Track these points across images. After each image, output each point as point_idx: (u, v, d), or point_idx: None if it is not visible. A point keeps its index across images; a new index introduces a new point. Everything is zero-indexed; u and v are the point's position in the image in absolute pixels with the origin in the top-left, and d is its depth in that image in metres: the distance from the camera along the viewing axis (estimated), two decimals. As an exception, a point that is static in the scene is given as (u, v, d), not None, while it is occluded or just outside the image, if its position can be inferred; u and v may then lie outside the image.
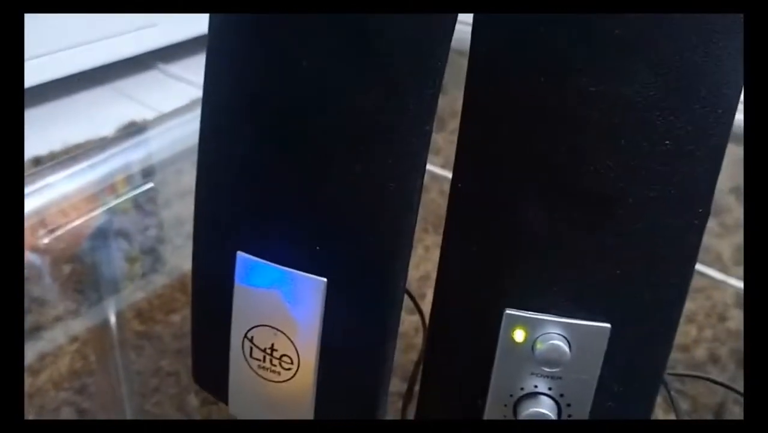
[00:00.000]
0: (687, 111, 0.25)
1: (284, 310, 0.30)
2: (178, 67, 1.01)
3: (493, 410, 0.29)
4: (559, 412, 0.28)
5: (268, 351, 0.30)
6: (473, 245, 0.28)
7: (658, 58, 0.25)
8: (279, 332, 0.30)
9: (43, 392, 0.44)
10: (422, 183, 0.28)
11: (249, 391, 0.32)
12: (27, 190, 0.50)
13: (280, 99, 0.28)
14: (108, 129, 0.83)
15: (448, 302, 0.29)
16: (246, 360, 0.31)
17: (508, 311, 0.27)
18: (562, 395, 0.28)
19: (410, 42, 0.26)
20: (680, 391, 0.45)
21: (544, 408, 0.28)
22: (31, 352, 0.47)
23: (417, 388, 0.33)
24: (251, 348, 0.31)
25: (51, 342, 0.48)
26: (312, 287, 0.29)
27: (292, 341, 0.30)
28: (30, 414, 0.42)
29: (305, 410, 0.31)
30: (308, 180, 0.28)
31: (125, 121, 0.85)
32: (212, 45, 0.30)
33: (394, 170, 0.27)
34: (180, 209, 0.62)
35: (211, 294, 0.32)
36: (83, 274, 0.54)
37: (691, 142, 0.26)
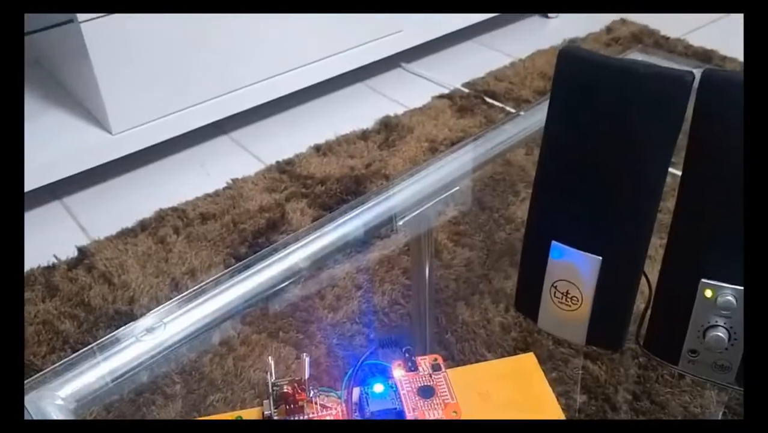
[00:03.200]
0: None
1: (577, 272, 0.55)
2: (418, 66, 1.24)
3: (691, 336, 0.53)
4: (729, 337, 0.52)
5: (566, 294, 0.57)
6: (692, 238, 0.51)
7: None
8: (572, 284, 0.56)
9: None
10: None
11: (551, 315, 0.59)
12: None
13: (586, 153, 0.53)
14: (367, 122, 1.09)
15: (669, 271, 0.53)
16: (551, 298, 0.58)
17: (703, 280, 0.51)
18: (731, 327, 0.52)
19: (657, 130, 0.49)
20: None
21: (721, 333, 0.52)
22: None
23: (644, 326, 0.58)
24: (555, 291, 0.57)
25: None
26: (593, 261, 0.54)
27: (579, 290, 0.56)
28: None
29: (582, 328, 0.58)
30: (595, 204, 0.53)
31: (380, 116, 1.11)
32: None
33: (646, 189, 0.51)
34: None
35: (534, 261, 0.58)
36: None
37: None
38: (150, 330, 0.64)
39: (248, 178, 0.96)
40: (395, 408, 0.52)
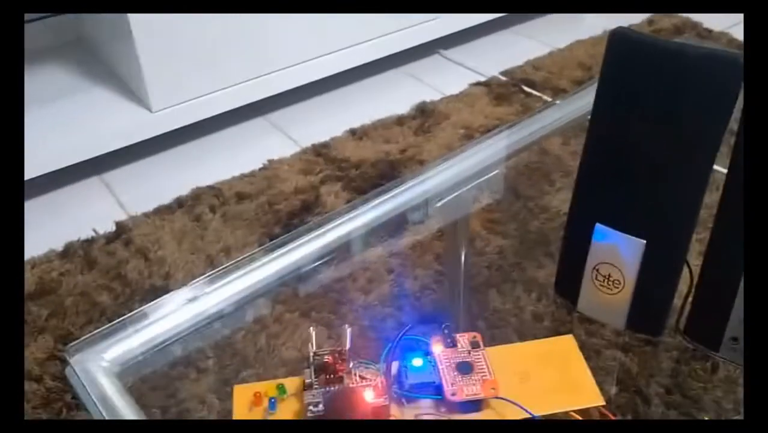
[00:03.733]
0: None
1: (619, 256, 0.55)
2: (454, 53, 1.24)
3: (732, 324, 0.53)
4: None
5: (607, 277, 0.57)
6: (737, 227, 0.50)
7: None
8: (614, 267, 0.56)
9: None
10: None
11: (591, 298, 0.60)
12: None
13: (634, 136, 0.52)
14: (403, 107, 1.09)
15: (714, 259, 0.53)
16: (593, 281, 0.58)
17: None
18: None
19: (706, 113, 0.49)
20: None
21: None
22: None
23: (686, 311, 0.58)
24: (596, 274, 0.58)
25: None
26: (636, 245, 0.55)
27: (621, 273, 0.56)
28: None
29: (622, 312, 0.58)
30: (641, 187, 0.53)
31: (416, 101, 1.10)
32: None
33: (693, 174, 0.51)
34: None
35: (577, 244, 0.58)
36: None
37: None
38: (192, 300, 0.65)
39: (284, 159, 0.97)
40: (433, 382, 0.52)
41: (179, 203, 0.89)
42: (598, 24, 1.29)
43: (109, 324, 0.63)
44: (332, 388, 0.51)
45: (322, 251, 0.74)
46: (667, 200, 0.53)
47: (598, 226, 0.56)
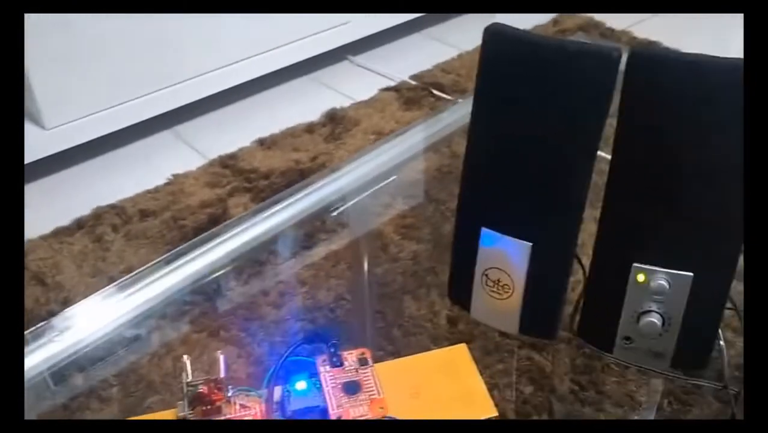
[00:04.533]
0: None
1: (507, 260, 0.54)
2: (363, 58, 1.22)
3: (625, 323, 0.53)
4: (663, 323, 0.51)
5: (497, 282, 0.56)
6: (622, 222, 0.51)
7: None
8: (503, 272, 0.55)
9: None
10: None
11: (484, 304, 0.58)
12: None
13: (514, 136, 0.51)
14: (313, 115, 1.06)
15: (601, 256, 0.53)
16: (483, 286, 0.57)
17: (635, 264, 0.51)
18: (665, 312, 0.51)
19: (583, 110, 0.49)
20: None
21: (655, 319, 0.51)
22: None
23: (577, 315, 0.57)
24: (486, 280, 0.56)
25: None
26: (523, 248, 0.53)
27: (510, 277, 0.55)
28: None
29: (514, 317, 0.57)
30: (524, 189, 0.52)
31: (326, 108, 1.08)
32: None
33: (579, 169, 0.50)
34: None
35: (465, 249, 0.57)
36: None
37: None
38: (63, 330, 0.61)
39: (190, 173, 0.93)
40: (318, 406, 0.50)
41: (79, 224, 0.85)
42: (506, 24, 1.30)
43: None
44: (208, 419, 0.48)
45: (228, 257, 0.71)
46: (550, 201, 0.52)
47: (484, 230, 0.55)
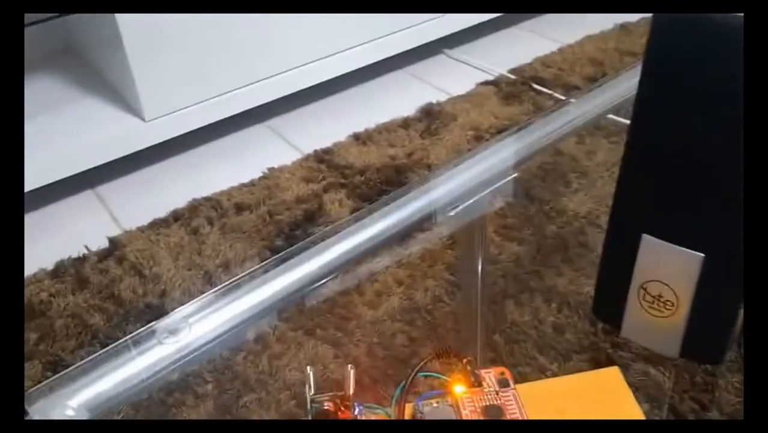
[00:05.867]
0: None
1: (672, 272, 0.48)
2: (459, 52, 1.19)
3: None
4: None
5: (658, 298, 0.50)
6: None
7: None
8: (666, 286, 0.49)
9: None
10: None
11: (638, 322, 0.52)
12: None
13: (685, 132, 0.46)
14: (408, 109, 1.03)
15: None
16: (639, 302, 0.51)
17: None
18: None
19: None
20: None
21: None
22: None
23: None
24: (644, 294, 0.51)
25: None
26: (692, 259, 0.48)
27: (674, 292, 0.49)
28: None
29: (676, 338, 0.51)
30: (696, 190, 0.47)
31: (422, 103, 1.05)
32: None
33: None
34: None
35: (619, 259, 0.52)
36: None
37: None
38: (173, 332, 0.60)
39: (285, 167, 0.92)
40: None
41: (175, 216, 0.85)
42: (608, 18, 1.24)
43: (71, 367, 0.58)
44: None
45: (326, 267, 0.70)
46: (729, 205, 0.45)
47: (645, 237, 0.49)
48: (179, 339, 0.60)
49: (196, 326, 0.62)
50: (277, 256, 0.71)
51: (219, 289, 0.66)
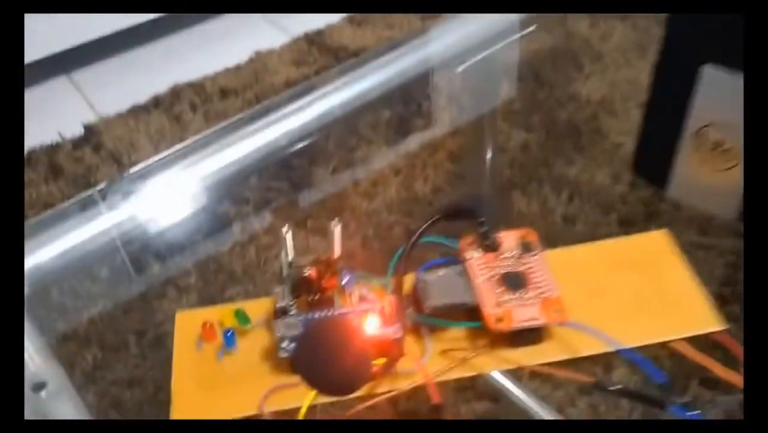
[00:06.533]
0: None
1: (739, 112, 0.37)
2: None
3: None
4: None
5: (717, 146, 0.41)
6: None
7: None
8: (729, 130, 0.40)
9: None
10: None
11: (691, 177, 0.43)
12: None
13: None
14: None
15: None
16: (695, 152, 0.42)
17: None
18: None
19: None
20: None
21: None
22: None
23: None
24: (701, 142, 0.41)
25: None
26: None
27: (740, 139, 0.41)
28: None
29: (735, 194, 0.41)
30: None
31: None
32: None
33: None
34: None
35: (670, 98, 0.42)
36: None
37: None
38: (126, 194, 0.53)
39: (274, 50, 0.86)
40: (466, 303, 0.38)
41: (156, 102, 0.79)
42: None
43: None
44: (317, 314, 0.36)
45: (316, 122, 0.62)
46: None
47: (707, 69, 0.39)
48: (131, 200, 0.54)
49: (162, 183, 0.57)
50: (254, 109, 0.64)
51: (188, 143, 0.60)
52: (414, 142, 0.68)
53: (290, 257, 0.38)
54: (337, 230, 0.37)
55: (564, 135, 0.68)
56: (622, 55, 0.78)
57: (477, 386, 0.46)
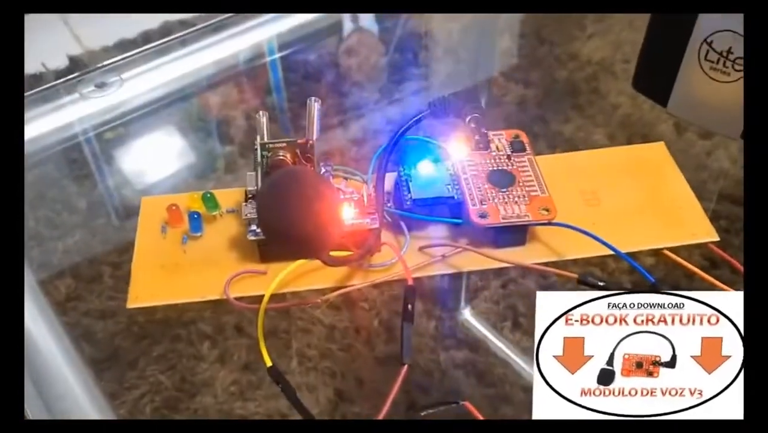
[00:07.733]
0: None
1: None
2: None
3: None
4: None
5: (725, 54, 0.38)
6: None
7: None
8: (740, 37, 0.36)
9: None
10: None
11: (694, 89, 0.39)
12: None
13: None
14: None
15: None
16: (700, 62, 0.38)
17: None
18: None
19: None
20: None
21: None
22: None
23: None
24: (708, 51, 0.38)
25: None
26: None
27: None
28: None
29: (740, 112, 0.38)
30: None
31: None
32: None
33: None
34: None
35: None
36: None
37: None
38: (101, 85, 0.50)
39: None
40: (451, 197, 0.36)
41: (146, 38, 0.76)
42: None
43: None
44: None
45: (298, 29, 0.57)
46: None
47: None
48: (107, 93, 0.51)
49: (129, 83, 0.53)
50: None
51: (159, 44, 0.56)
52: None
53: (265, 138, 0.35)
54: (315, 107, 0.34)
55: (562, 93, 0.66)
56: (626, 16, 0.76)
57: (457, 335, 0.45)
